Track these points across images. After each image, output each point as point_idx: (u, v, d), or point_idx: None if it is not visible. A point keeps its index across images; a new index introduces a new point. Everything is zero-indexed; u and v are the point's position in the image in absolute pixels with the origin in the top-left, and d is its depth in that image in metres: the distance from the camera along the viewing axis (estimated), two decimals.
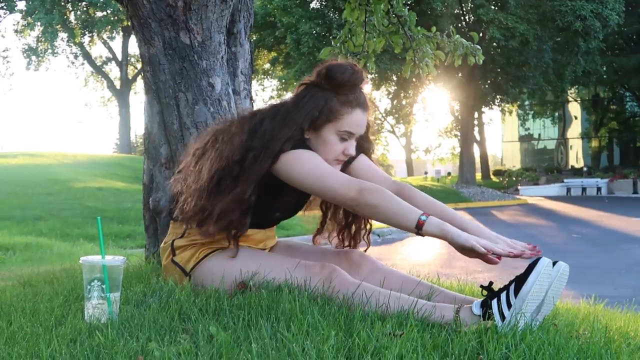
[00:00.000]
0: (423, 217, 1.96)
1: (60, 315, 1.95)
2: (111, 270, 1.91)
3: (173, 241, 2.36)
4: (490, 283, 1.99)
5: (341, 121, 2.24)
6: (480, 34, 3.77)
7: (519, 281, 1.89)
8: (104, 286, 1.89)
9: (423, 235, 1.97)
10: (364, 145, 2.47)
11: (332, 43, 3.97)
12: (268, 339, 1.62)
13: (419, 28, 3.71)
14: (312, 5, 27.35)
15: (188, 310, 1.90)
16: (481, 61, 3.70)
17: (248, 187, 2.17)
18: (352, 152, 2.28)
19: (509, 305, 1.86)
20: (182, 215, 2.30)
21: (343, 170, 2.34)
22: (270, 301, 1.91)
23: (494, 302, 1.88)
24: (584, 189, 30.09)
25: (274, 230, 2.53)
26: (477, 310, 1.89)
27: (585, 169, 36.81)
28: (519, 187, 31.38)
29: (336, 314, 1.82)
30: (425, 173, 43.43)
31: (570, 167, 42.06)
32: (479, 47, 3.70)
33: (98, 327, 1.76)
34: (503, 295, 1.89)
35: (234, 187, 2.18)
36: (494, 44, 25.65)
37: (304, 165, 2.15)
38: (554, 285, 1.94)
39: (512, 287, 1.89)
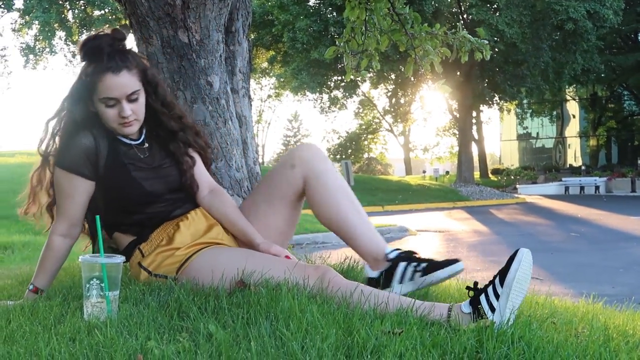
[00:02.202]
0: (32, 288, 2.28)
1: (59, 314, 1.95)
2: (110, 268, 1.91)
3: (139, 263, 2.33)
4: (475, 283, 2.00)
5: (97, 91, 2.22)
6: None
7: (503, 273, 1.90)
8: (102, 284, 1.89)
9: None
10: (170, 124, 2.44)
11: (337, 42, 3.93)
12: (267, 337, 1.62)
13: (422, 26, 3.66)
14: (310, 3, 27.38)
15: (187, 308, 1.90)
16: (488, 56, 3.63)
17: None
18: (128, 112, 2.24)
19: (497, 296, 1.87)
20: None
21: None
22: (269, 299, 1.91)
23: (482, 297, 1.89)
24: (582, 188, 30.11)
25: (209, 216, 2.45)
26: (466, 309, 1.89)
27: (583, 167, 36.86)
28: (518, 186, 31.43)
29: (335, 313, 1.81)
30: (424, 172, 43.43)
31: (568, 165, 42.13)
32: (485, 41, 3.64)
33: (97, 325, 1.75)
34: (490, 289, 1.90)
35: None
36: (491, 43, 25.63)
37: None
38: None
39: (496, 280, 1.90)
